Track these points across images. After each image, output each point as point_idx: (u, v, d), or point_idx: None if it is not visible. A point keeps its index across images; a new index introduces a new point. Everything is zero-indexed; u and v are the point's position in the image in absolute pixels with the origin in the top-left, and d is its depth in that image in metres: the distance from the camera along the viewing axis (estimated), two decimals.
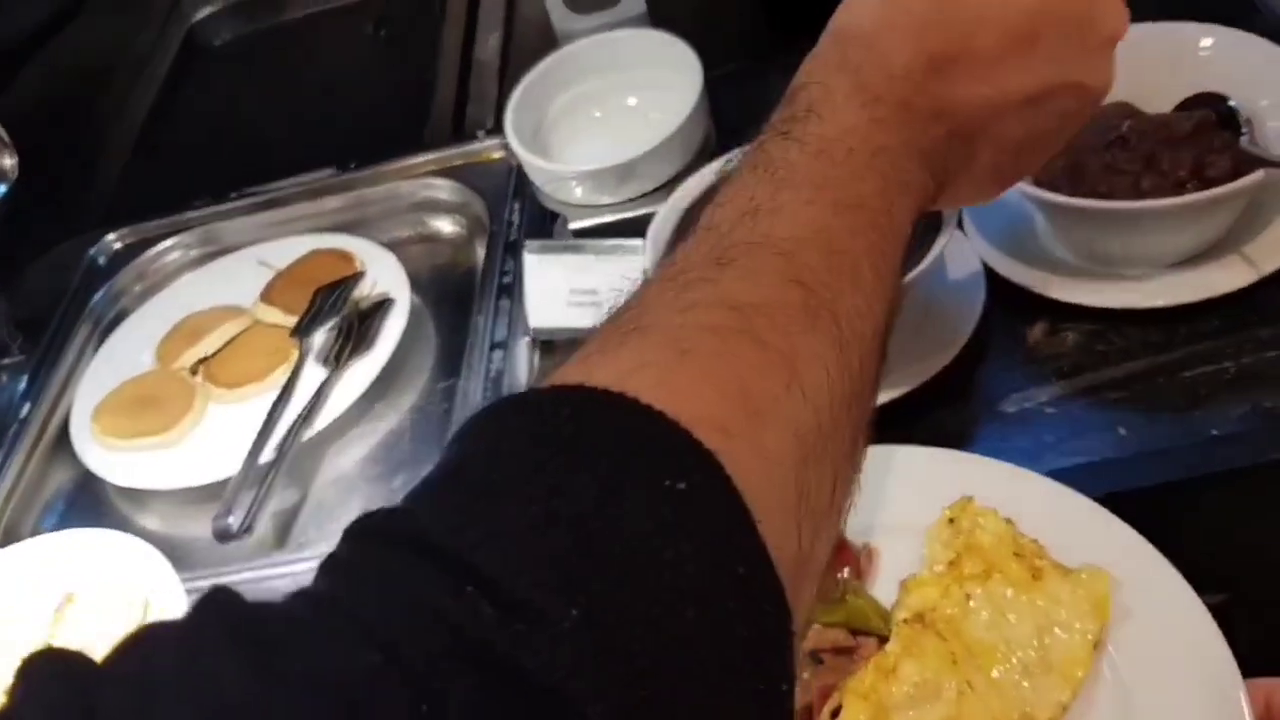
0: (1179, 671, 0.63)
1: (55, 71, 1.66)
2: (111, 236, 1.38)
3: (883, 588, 0.73)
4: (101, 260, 1.37)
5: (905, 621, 0.68)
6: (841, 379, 0.44)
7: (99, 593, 0.89)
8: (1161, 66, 0.94)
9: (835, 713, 0.65)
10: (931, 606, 0.68)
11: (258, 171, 1.39)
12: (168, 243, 1.34)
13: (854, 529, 0.74)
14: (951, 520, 0.71)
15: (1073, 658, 0.65)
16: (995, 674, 0.65)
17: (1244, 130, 0.89)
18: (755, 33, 1.31)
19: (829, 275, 0.45)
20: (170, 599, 0.86)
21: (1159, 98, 0.94)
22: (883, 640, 0.69)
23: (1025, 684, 0.65)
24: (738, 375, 0.41)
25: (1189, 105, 0.92)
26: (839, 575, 0.72)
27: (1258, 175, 0.83)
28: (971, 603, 0.67)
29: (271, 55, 1.83)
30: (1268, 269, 0.87)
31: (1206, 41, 0.93)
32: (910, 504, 0.73)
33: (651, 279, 0.46)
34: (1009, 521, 0.70)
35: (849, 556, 0.74)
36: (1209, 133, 0.89)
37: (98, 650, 0.85)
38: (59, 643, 0.87)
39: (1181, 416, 0.84)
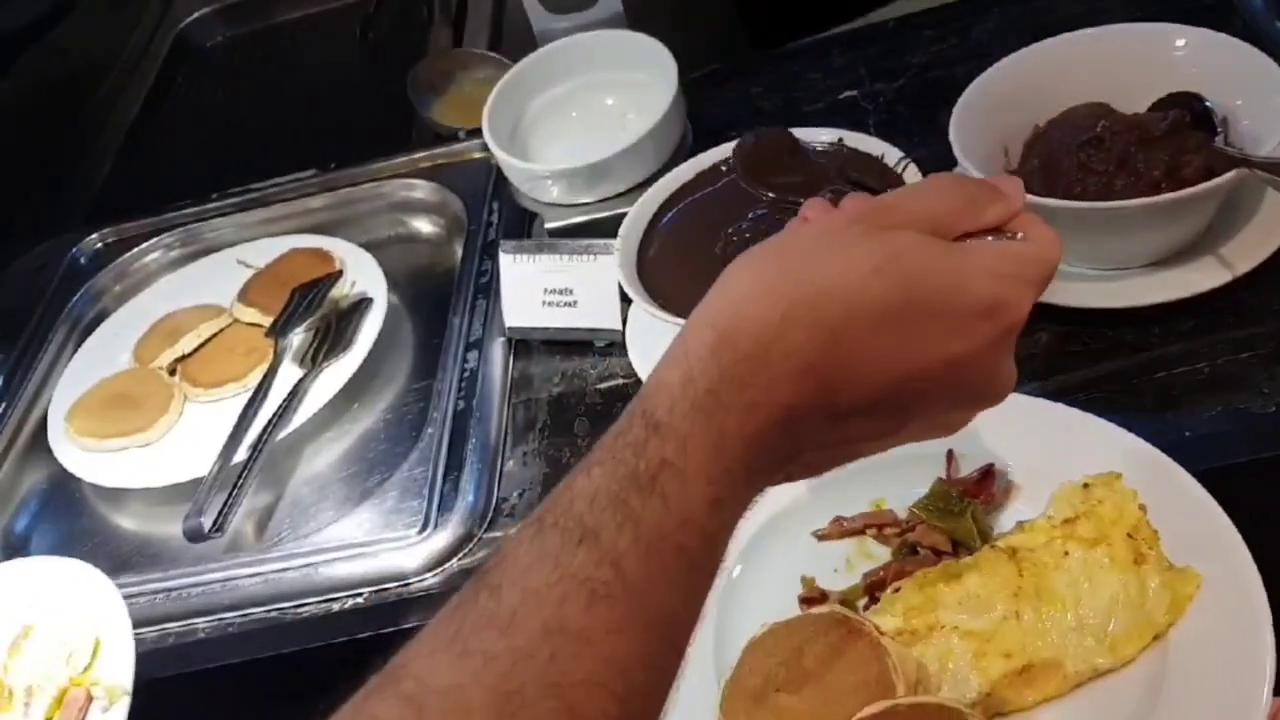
0: (1217, 679, 0.66)
1: (44, 71, 1.66)
2: (93, 237, 1.38)
3: (1006, 522, 0.78)
4: (83, 260, 1.37)
5: (992, 546, 0.74)
6: None
7: (54, 626, 0.88)
8: (1136, 66, 0.94)
9: (897, 590, 0.73)
10: (1030, 548, 0.73)
11: (245, 172, 1.39)
12: (149, 243, 1.34)
13: (1007, 464, 0.80)
14: (1086, 486, 0.75)
15: (1129, 636, 0.69)
16: (1048, 618, 0.70)
17: (1218, 130, 0.88)
18: (731, 35, 1.31)
19: None
20: (120, 638, 0.85)
21: (1133, 98, 0.93)
22: None
23: (1071, 638, 0.69)
24: None
25: (1163, 105, 0.92)
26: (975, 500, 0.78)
27: (1232, 175, 0.82)
28: (1066, 559, 0.72)
29: (261, 58, 1.83)
30: (1242, 269, 0.87)
31: (1181, 41, 0.93)
32: (1069, 461, 0.77)
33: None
34: (1143, 508, 0.73)
35: (991, 483, 0.79)
36: (1183, 133, 0.89)
37: (45, 688, 0.83)
38: (13, 676, 0.86)
39: (1154, 417, 0.83)
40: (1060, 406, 0.81)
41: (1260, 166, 0.81)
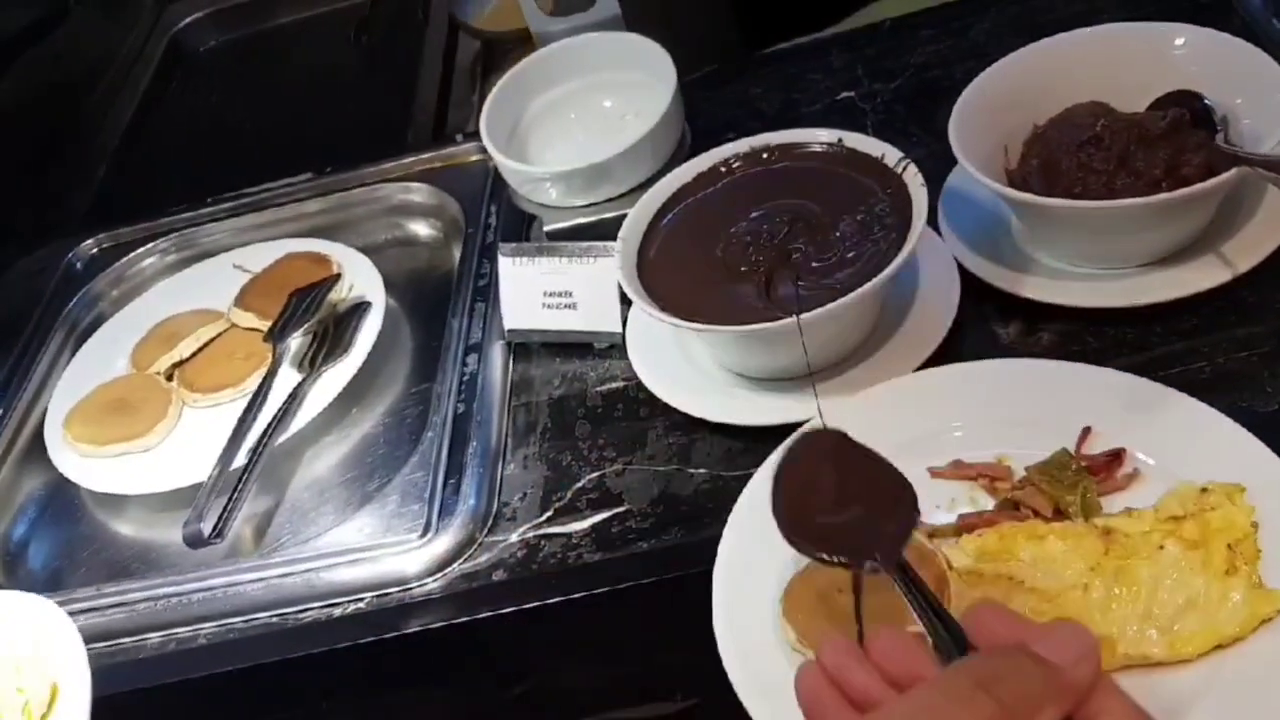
0: (1263, 702, 0.66)
1: (39, 75, 1.66)
2: (89, 242, 1.38)
3: (1116, 506, 0.77)
4: (79, 265, 1.36)
5: (1086, 520, 0.75)
6: None
7: (12, 671, 0.84)
8: (1136, 65, 0.94)
9: (980, 535, 0.75)
10: (1126, 533, 0.73)
11: (240, 177, 1.38)
12: (145, 248, 1.34)
13: (1140, 453, 0.79)
14: (1204, 490, 0.74)
15: (1192, 638, 0.69)
16: (1117, 599, 0.70)
17: (1218, 129, 0.88)
18: (729, 37, 1.30)
19: None
20: (78, 684, 0.81)
21: (1133, 97, 0.93)
22: None
23: (1134, 623, 0.70)
24: None
25: (1163, 104, 0.92)
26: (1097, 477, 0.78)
27: (1232, 174, 0.82)
28: (1160, 553, 0.72)
29: (254, 61, 1.83)
30: (1244, 268, 0.87)
31: (1180, 40, 0.93)
32: (1201, 463, 0.76)
33: None
34: (1255, 525, 0.72)
35: (1116, 467, 0.79)
36: (1183, 131, 0.89)
37: None
38: None
39: None
40: (1214, 412, 0.79)
41: (1261, 165, 0.81)
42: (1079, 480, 0.78)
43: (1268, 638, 0.68)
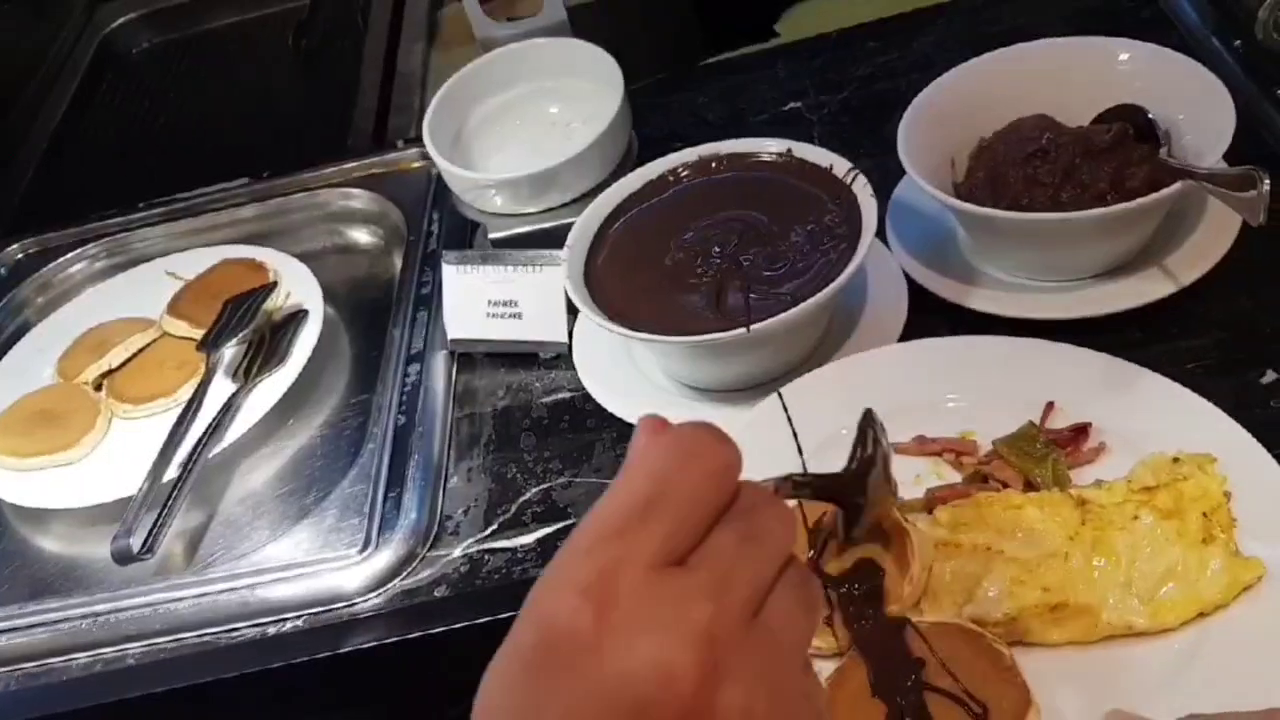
0: (1247, 668, 0.66)
1: None
2: (14, 247, 1.33)
3: (1086, 479, 0.77)
4: (2, 271, 1.32)
5: (1061, 490, 0.75)
6: None
7: None
8: (1081, 79, 0.94)
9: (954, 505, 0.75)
10: (1101, 504, 0.74)
11: (173, 181, 1.35)
12: (73, 254, 1.30)
13: (1105, 427, 0.79)
14: (1176, 460, 0.75)
15: (1174, 606, 0.69)
16: (1097, 568, 0.70)
17: (1162, 142, 0.89)
18: (676, 45, 1.30)
19: None
20: None
21: (1078, 110, 0.94)
22: None
23: (1116, 592, 0.70)
24: None
25: (1107, 117, 0.92)
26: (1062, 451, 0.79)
27: (1178, 187, 0.83)
28: (1135, 523, 0.72)
29: (189, 65, 1.79)
30: (1187, 280, 0.88)
31: (1124, 56, 0.93)
32: (1169, 436, 0.77)
33: None
34: (1228, 494, 0.73)
35: (1082, 440, 0.80)
36: (1127, 145, 0.90)
37: None
38: None
39: None
40: (1178, 386, 0.80)
41: (1205, 178, 0.82)
42: (1048, 453, 0.78)
43: (1250, 605, 0.69)
